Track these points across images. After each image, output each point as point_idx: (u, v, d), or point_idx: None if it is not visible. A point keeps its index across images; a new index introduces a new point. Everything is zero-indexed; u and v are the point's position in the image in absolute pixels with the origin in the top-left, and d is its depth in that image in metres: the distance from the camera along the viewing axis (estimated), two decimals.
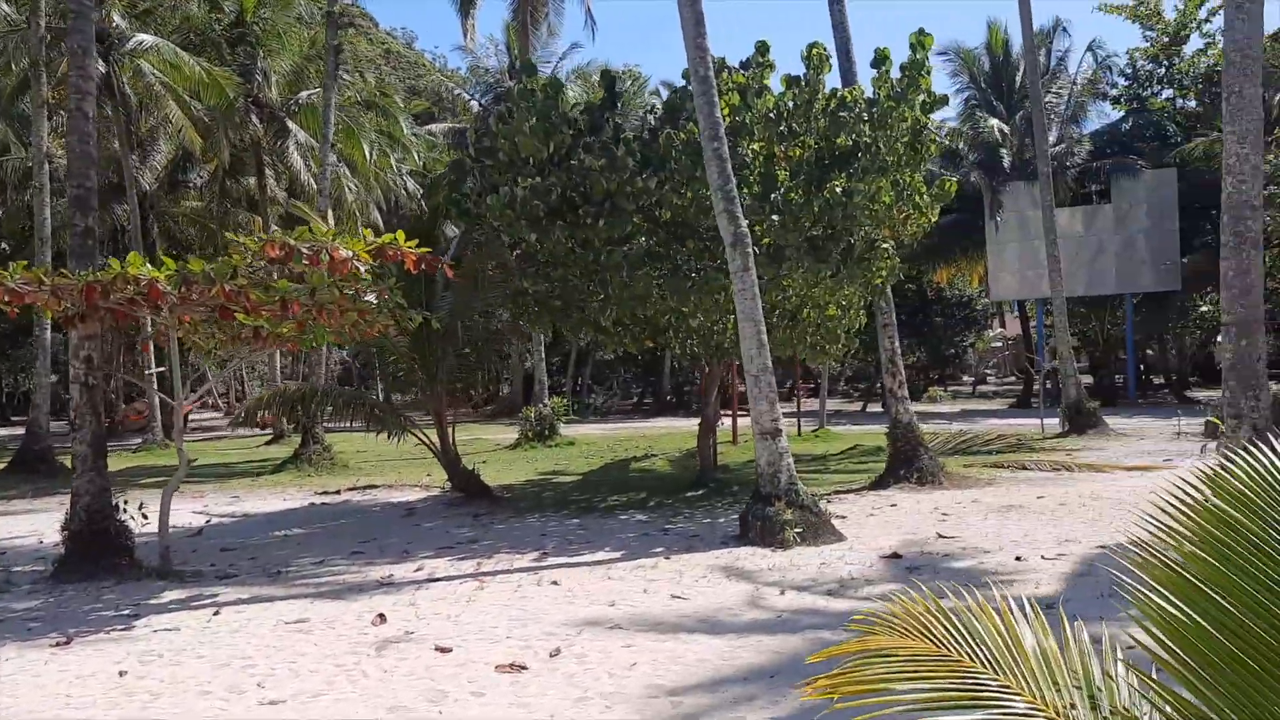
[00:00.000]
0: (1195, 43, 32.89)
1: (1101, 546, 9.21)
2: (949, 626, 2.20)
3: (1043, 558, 8.92)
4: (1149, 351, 43.58)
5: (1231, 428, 8.70)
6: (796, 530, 9.89)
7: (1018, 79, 32.15)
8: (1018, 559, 8.94)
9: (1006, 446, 18.05)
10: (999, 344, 56.69)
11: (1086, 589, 7.67)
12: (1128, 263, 31.81)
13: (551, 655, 6.37)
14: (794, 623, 7.03)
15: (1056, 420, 22.32)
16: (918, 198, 12.73)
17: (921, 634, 2.17)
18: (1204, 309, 37.09)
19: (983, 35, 34.61)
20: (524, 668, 6.12)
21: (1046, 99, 32.45)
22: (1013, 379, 51.23)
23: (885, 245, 12.59)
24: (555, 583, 8.57)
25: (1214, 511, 2.20)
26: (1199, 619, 2.01)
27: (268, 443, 26.45)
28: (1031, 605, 2.32)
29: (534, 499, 14.06)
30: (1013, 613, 2.25)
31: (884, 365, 14.37)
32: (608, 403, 40.25)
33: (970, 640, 2.17)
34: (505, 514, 12.72)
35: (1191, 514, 2.23)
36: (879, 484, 13.90)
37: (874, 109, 12.17)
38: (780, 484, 10.27)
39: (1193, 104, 32.93)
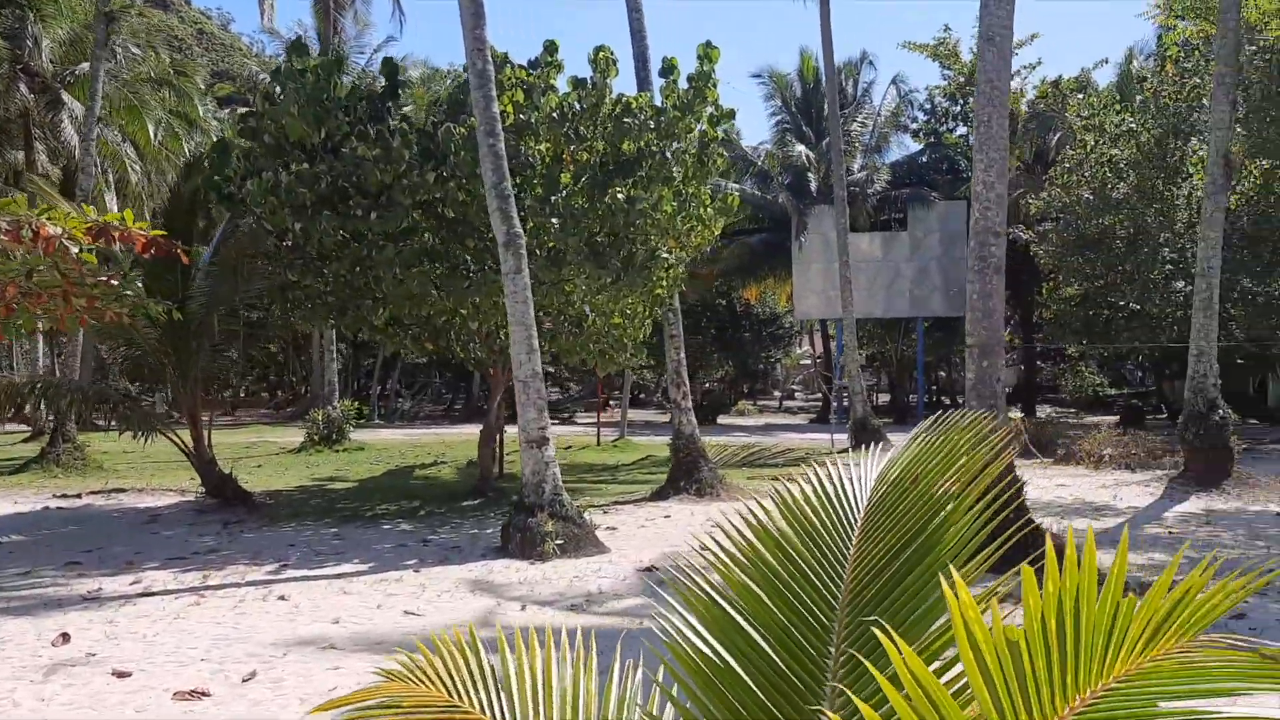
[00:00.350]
0: None
1: None
2: (473, 671, 1.88)
3: None
4: (941, 373, 46.00)
5: None
6: (558, 542, 9.60)
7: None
8: None
9: (790, 460, 18.40)
10: (808, 361, 58.64)
11: None
12: (920, 288, 33.36)
13: (244, 680, 5.79)
14: None
15: (846, 435, 23.03)
16: (702, 210, 12.74)
17: (439, 680, 1.85)
18: None
19: (797, 61, 35.74)
20: (206, 694, 5.52)
21: (851, 128, 33.78)
22: (818, 395, 53.04)
23: (666, 255, 12.51)
24: (283, 598, 7.94)
25: (773, 537, 1.97)
26: (732, 662, 1.76)
27: (25, 440, 24.15)
28: (583, 639, 2.04)
29: (298, 506, 13.22)
30: (555, 650, 1.96)
31: (669, 377, 14.34)
32: (415, 407, 39.07)
33: (493, 687, 1.86)
34: (259, 522, 11.87)
35: (756, 539, 2.00)
36: (659, 495, 13.82)
37: (661, 118, 12.08)
38: (544, 494, 9.97)
39: None
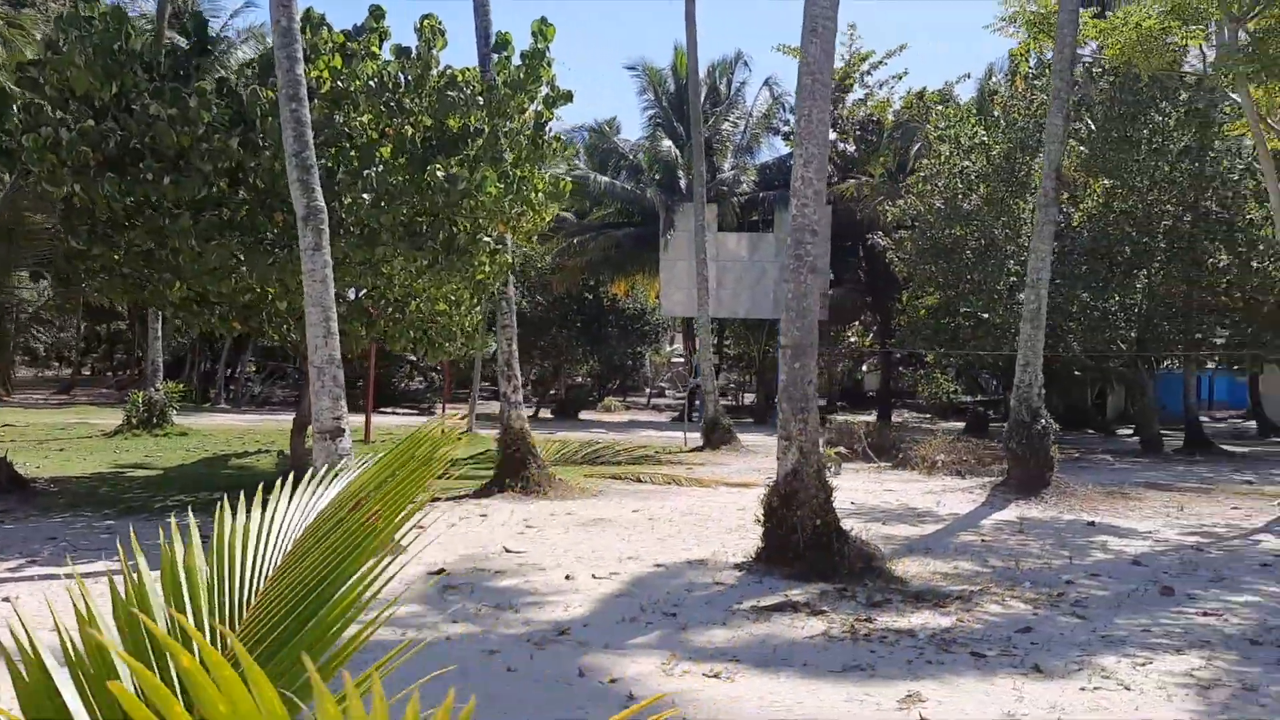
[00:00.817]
0: (857, 93, 35.40)
1: (659, 565, 8.98)
2: None
3: (594, 576, 8.50)
4: None
5: (782, 449, 8.69)
6: None
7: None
8: (567, 578, 8.46)
9: (632, 459, 18.04)
10: (679, 359, 58.74)
11: (614, 612, 7.28)
12: (784, 289, 33.53)
13: None
14: None
15: (699, 434, 22.86)
16: (533, 194, 12.19)
17: None
18: (852, 339, 40.18)
19: (671, 57, 35.50)
20: None
21: (723, 127, 33.75)
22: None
23: (488, 240, 11.91)
24: (6, 599, 7.05)
25: (177, 584, 1.44)
26: None
27: None
28: None
29: (82, 496, 12.12)
30: None
31: (499, 368, 13.74)
32: (265, 391, 37.34)
33: None
34: (28, 512, 10.78)
35: (163, 582, 1.47)
36: (484, 492, 13.22)
37: (491, 94, 11.48)
38: None
39: (850, 148, 35.40)
